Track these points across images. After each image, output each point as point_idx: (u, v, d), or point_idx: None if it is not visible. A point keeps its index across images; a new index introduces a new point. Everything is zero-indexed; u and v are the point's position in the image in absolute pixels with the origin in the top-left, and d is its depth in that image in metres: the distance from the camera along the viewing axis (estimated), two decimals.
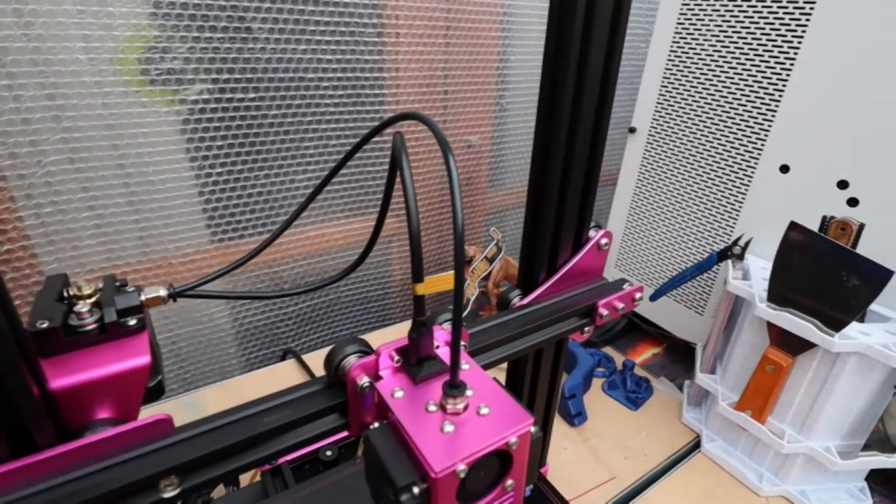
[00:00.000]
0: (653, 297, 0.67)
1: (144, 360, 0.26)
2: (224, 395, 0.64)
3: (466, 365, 0.26)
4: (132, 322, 0.27)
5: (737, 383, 0.56)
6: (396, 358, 0.26)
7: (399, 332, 0.78)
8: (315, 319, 0.80)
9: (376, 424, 0.24)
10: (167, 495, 0.23)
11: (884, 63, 0.46)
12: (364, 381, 0.25)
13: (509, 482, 0.24)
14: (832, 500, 0.53)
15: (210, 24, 0.56)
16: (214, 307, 0.69)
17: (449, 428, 0.22)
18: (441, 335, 0.28)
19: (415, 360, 0.26)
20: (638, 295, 0.38)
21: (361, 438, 0.27)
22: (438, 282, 0.25)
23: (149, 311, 0.29)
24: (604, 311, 0.36)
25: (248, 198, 0.66)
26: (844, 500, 0.53)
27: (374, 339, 0.76)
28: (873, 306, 0.49)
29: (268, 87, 0.62)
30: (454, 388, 0.23)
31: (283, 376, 0.68)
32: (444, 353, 0.27)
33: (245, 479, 0.49)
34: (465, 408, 0.23)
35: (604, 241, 0.38)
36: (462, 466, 0.21)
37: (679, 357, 0.75)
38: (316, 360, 0.71)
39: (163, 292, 0.29)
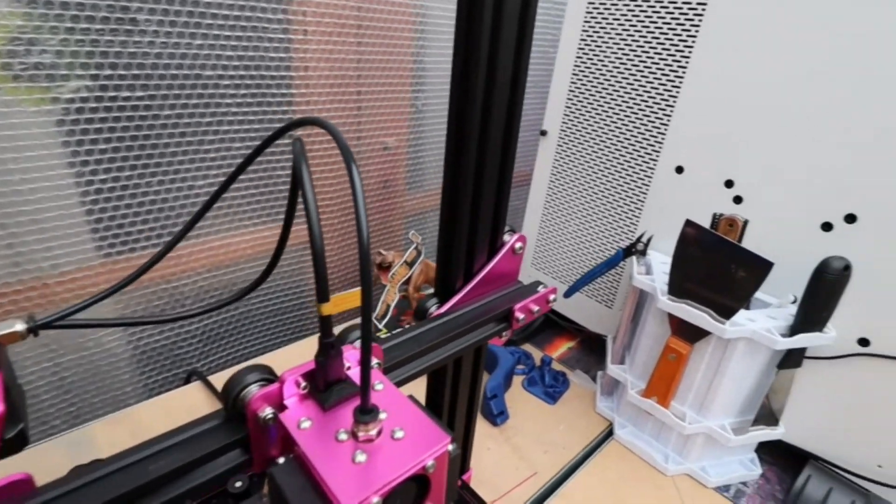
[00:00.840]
0: (566, 294, 0.70)
1: None
2: (117, 429, 0.57)
3: (380, 385, 0.25)
4: None
5: (643, 372, 0.60)
6: (303, 384, 0.24)
7: (314, 345, 0.75)
8: (223, 336, 0.75)
9: (282, 460, 0.23)
10: None
11: (761, 72, 0.51)
12: (267, 412, 0.23)
13: None
14: (728, 473, 0.58)
15: (86, 13, 0.50)
16: (103, 330, 0.62)
17: (361, 458, 0.21)
18: (352, 354, 0.27)
19: (323, 385, 0.24)
20: (552, 297, 0.39)
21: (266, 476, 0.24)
22: (346, 299, 0.24)
23: (5, 349, 0.25)
24: (520, 315, 0.37)
25: (140, 207, 0.60)
26: (738, 472, 0.58)
27: (291, 353, 0.72)
28: (758, 294, 0.54)
29: (159, 84, 0.56)
30: (365, 413, 0.22)
31: (187, 401, 0.63)
32: (355, 374, 0.26)
33: None
34: (379, 433, 0.22)
35: (518, 244, 0.38)
36: (376, 499, 0.20)
37: (592, 349, 0.79)
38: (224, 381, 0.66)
39: (19, 327, 0.24)
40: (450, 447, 0.22)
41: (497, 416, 0.63)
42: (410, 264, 0.73)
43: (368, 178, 0.82)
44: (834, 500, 0.54)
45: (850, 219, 0.48)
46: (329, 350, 0.23)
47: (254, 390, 0.24)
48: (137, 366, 0.67)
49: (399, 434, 0.22)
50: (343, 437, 0.22)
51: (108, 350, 0.63)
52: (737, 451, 0.59)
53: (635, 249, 0.62)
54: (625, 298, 0.69)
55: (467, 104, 0.31)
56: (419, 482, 0.22)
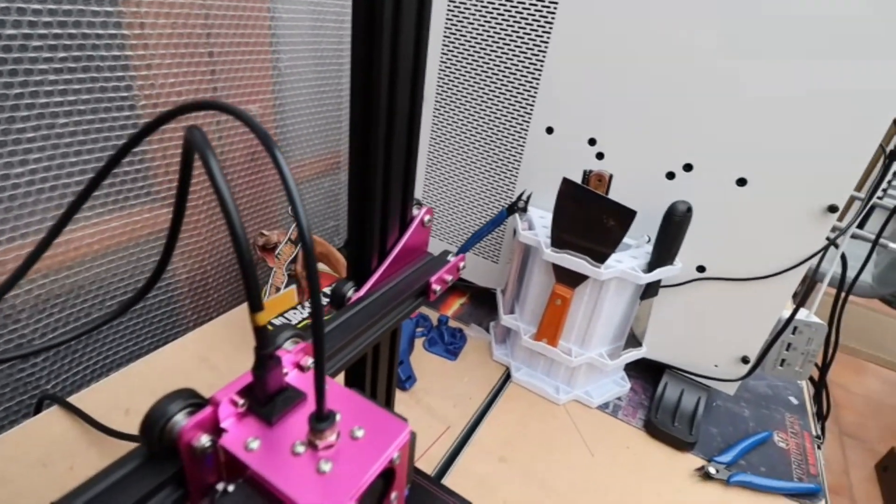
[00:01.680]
0: (456, 255, 0.72)
1: None
2: None
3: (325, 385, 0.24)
4: None
5: (533, 318, 0.66)
6: (240, 402, 0.22)
7: (203, 338, 0.68)
8: (76, 348, 0.64)
9: (229, 487, 0.21)
10: None
11: (613, 39, 0.56)
12: (203, 441, 0.21)
13: (393, 495, 0.23)
14: (606, 393, 0.67)
15: None
16: None
17: (325, 467, 0.20)
18: (283, 356, 0.25)
19: (265, 398, 0.22)
20: (462, 264, 0.41)
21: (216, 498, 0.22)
22: (279, 303, 0.22)
23: None
24: (436, 287, 0.37)
25: None
26: (613, 390, 0.68)
27: (166, 357, 0.65)
28: None
29: None
30: (322, 420, 0.21)
31: (48, 431, 0.53)
32: (293, 376, 0.24)
33: None
34: (338, 436, 0.21)
35: (427, 217, 0.38)
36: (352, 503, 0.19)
37: (482, 303, 0.84)
38: (91, 401, 0.57)
39: None
40: (410, 440, 0.23)
41: (405, 381, 0.64)
42: (296, 242, 0.69)
43: (233, 152, 0.74)
44: (686, 398, 0.66)
45: (688, 168, 0.57)
46: (268, 361, 0.22)
47: (181, 420, 0.21)
48: None
49: (359, 433, 0.22)
50: (300, 448, 0.21)
51: None
52: (611, 373, 0.69)
53: (517, 207, 0.66)
54: (509, 253, 0.74)
55: (372, 79, 0.29)
56: (385, 476, 0.22)
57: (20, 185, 0.52)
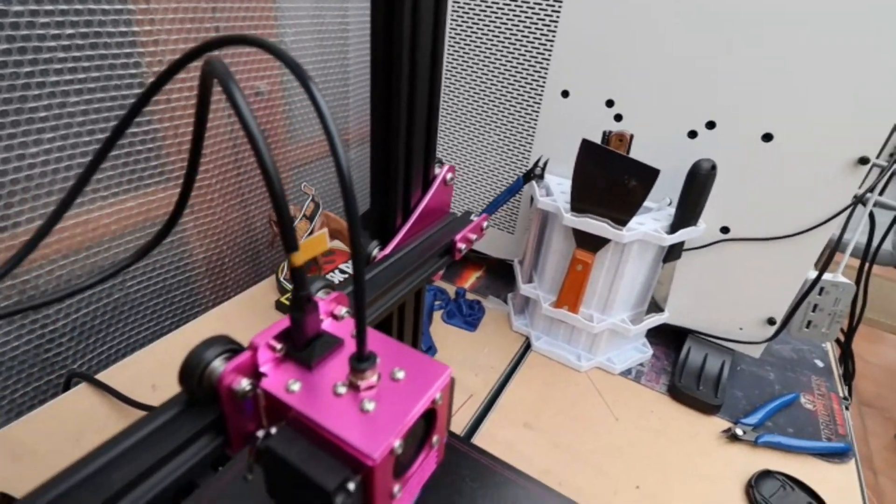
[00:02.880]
0: None
1: None
2: None
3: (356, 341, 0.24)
4: None
5: (552, 286, 0.65)
6: (278, 347, 0.22)
7: (221, 317, 0.68)
8: (100, 329, 0.64)
9: (273, 430, 0.20)
10: None
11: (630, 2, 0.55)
12: (243, 384, 0.21)
13: (435, 438, 0.23)
14: (628, 359, 0.67)
15: None
16: None
17: (369, 406, 0.20)
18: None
19: (302, 343, 0.22)
20: (485, 224, 0.40)
21: (254, 452, 0.22)
22: (313, 244, 0.22)
23: None
24: (461, 245, 0.37)
25: None
26: (635, 356, 0.67)
27: (187, 336, 0.65)
28: None
29: None
30: (364, 361, 0.20)
31: (77, 407, 0.54)
32: (328, 325, 0.24)
33: None
34: (379, 378, 0.21)
35: (449, 175, 0.37)
36: (398, 442, 0.19)
37: (498, 275, 0.83)
38: (117, 378, 0.57)
39: None
40: (451, 382, 0.22)
41: (426, 352, 0.64)
42: (310, 218, 0.69)
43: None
44: (710, 362, 0.65)
45: (711, 125, 0.56)
46: (306, 303, 0.21)
47: (220, 365, 0.21)
48: None
49: (399, 374, 0.21)
50: (342, 390, 0.20)
51: None
52: (632, 339, 0.68)
53: (534, 174, 0.65)
54: (525, 224, 0.73)
55: (393, 41, 0.29)
56: (427, 417, 0.22)
57: (35, 164, 0.52)
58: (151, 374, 0.59)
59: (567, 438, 0.56)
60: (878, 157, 0.51)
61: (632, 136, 0.56)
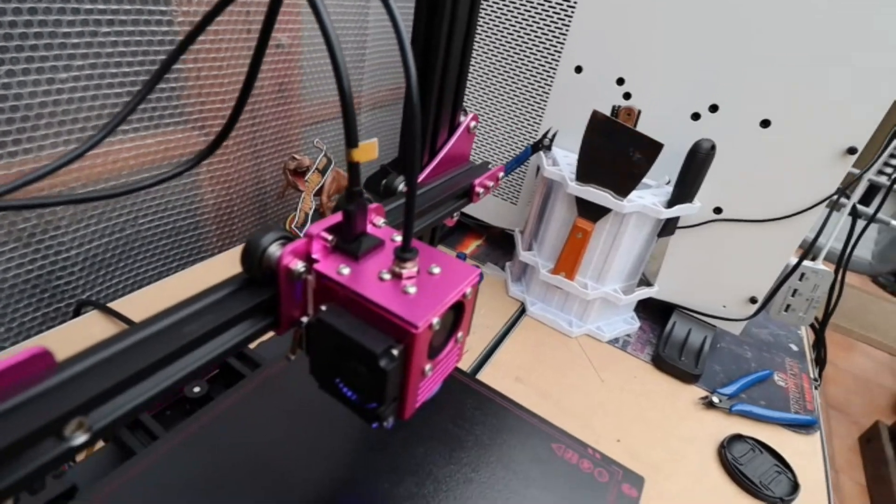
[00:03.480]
0: None
1: None
2: None
3: (398, 236, 0.26)
4: None
5: (551, 253, 0.68)
6: (330, 238, 0.24)
7: (223, 263, 0.70)
8: (110, 262, 0.66)
9: (323, 308, 0.23)
10: (77, 442, 0.18)
11: None
12: (299, 266, 0.23)
13: (459, 334, 0.25)
14: (616, 329, 0.70)
15: None
16: None
17: (411, 290, 0.22)
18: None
19: (352, 236, 0.24)
20: (501, 174, 0.42)
21: (299, 335, 0.25)
22: (369, 148, 0.24)
23: None
24: (479, 190, 0.39)
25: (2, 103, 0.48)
26: (623, 327, 0.71)
27: (193, 276, 0.67)
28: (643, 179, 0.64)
29: None
30: (408, 251, 0.23)
31: (86, 332, 0.56)
32: (369, 230, 0.27)
33: None
34: (419, 272, 0.24)
35: (472, 123, 0.40)
36: (436, 319, 0.22)
37: (497, 245, 0.86)
38: (127, 308, 0.59)
39: None
40: (478, 281, 0.25)
41: None
42: (322, 171, 0.71)
43: (262, 80, 0.75)
44: (693, 336, 0.69)
45: (713, 108, 0.59)
46: (359, 198, 0.24)
47: (277, 249, 0.23)
48: (7, 303, 0.56)
49: (436, 270, 0.24)
50: (386, 276, 0.23)
51: None
52: (622, 310, 0.71)
53: (542, 145, 0.67)
54: (529, 195, 0.76)
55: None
56: (456, 311, 0.24)
57: (63, 90, 0.53)
58: (161, 305, 0.61)
59: (555, 393, 0.59)
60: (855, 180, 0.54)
61: (639, 112, 0.59)
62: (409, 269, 0.23)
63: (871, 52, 0.50)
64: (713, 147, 0.57)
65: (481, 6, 0.69)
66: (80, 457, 0.37)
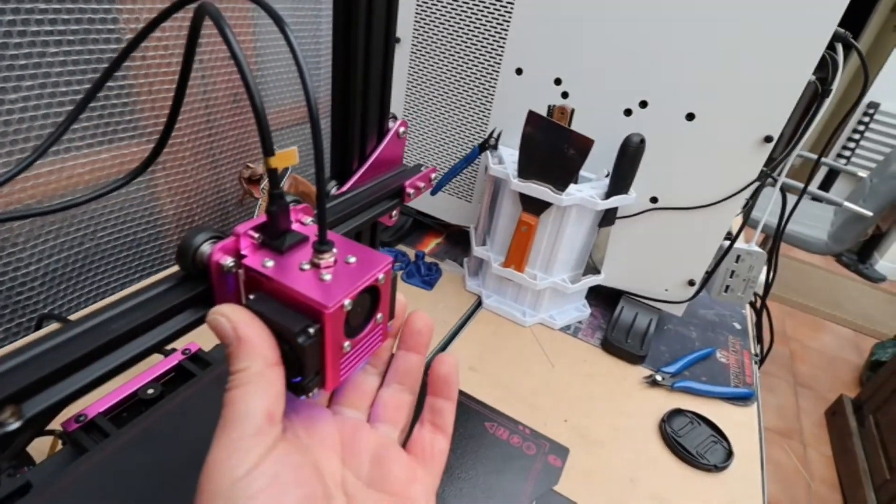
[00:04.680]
0: (433, 192, 0.77)
1: None
2: None
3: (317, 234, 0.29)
4: None
5: (502, 248, 0.71)
6: (256, 235, 0.27)
7: None
8: (70, 276, 0.67)
9: (251, 297, 0.26)
10: (11, 427, 0.21)
11: None
12: (228, 262, 0.26)
13: (379, 315, 0.29)
14: (568, 316, 0.74)
15: None
16: None
17: (327, 277, 0.25)
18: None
19: (276, 234, 0.27)
20: (433, 175, 0.45)
21: None
22: (287, 156, 0.27)
23: None
24: (410, 190, 0.42)
25: None
26: (574, 315, 0.75)
27: None
28: (582, 172, 0.68)
29: None
30: (324, 244, 0.26)
31: None
32: (295, 228, 0.29)
33: (41, 451, 0.42)
34: (335, 261, 0.27)
35: (401, 129, 0.43)
36: (347, 301, 0.25)
37: (457, 242, 0.89)
38: None
39: None
40: (391, 267, 0.28)
41: None
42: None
43: (216, 92, 0.76)
44: (639, 320, 0.73)
45: (643, 104, 0.63)
46: (279, 200, 0.26)
47: (208, 247, 0.26)
48: None
49: (351, 259, 0.27)
50: (306, 266, 0.26)
51: None
52: (572, 298, 0.75)
53: (488, 144, 0.70)
54: (481, 192, 0.79)
55: (351, 14, 0.34)
56: (372, 294, 0.27)
57: (14, 110, 0.55)
58: None
59: (507, 380, 0.63)
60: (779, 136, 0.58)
61: (573, 111, 0.62)
62: (327, 259, 0.26)
63: (778, 44, 0.54)
64: (642, 141, 0.60)
65: (422, 14, 0.72)
66: (38, 459, 0.39)
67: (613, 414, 0.61)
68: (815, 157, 0.60)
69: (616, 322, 0.72)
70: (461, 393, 0.44)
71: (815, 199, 2.27)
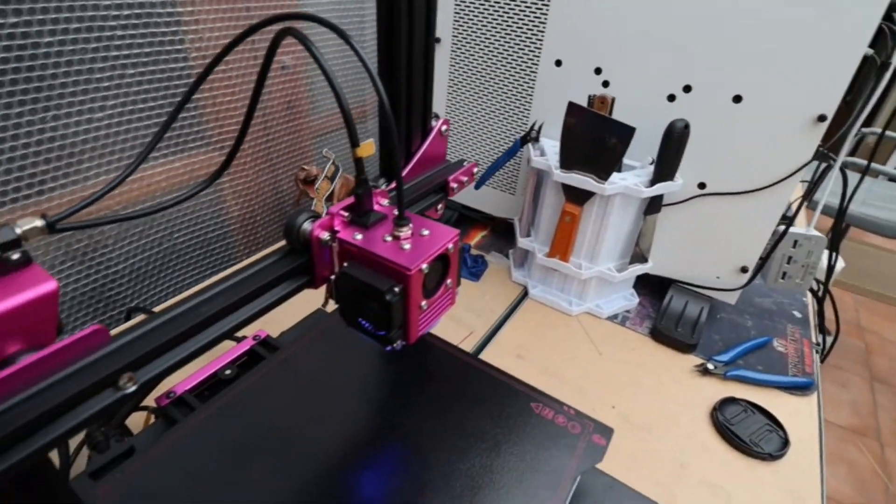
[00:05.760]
0: (476, 186, 0.79)
1: (50, 285, 0.25)
2: None
3: (396, 211, 0.32)
4: (15, 256, 0.26)
5: (546, 238, 0.73)
6: (346, 214, 0.32)
7: None
8: (153, 273, 0.75)
9: (345, 264, 0.30)
10: (129, 390, 0.25)
11: None
12: (325, 235, 0.30)
13: (449, 281, 0.32)
14: (615, 305, 0.74)
15: None
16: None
17: (406, 246, 0.30)
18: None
19: (362, 212, 0.31)
20: (475, 170, 0.48)
21: (330, 288, 0.33)
22: (368, 146, 0.30)
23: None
24: (454, 185, 0.45)
25: (38, 146, 0.57)
26: (622, 304, 0.75)
27: None
28: (626, 161, 0.68)
29: (33, 8, 0.52)
30: (402, 219, 0.30)
31: None
32: (377, 209, 0.33)
33: (138, 424, 0.48)
34: (412, 234, 0.30)
35: (444, 127, 0.45)
36: (425, 266, 0.28)
37: (502, 234, 0.91)
38: None
39: (38, 222, 0.27)
40: (458, 241, 0.31)
41: None
42: (331, 178, 0.77)
43: (271, 100, 0.82)
44: (689, 308, 0.72)
45: (687, 89, 0.62)
46: (365, 184, 0.31)
47: (309, 224, 0.31)
48: (69, 312, 0.65)
49: (425, 232, 0.31)
50: (388, 238, 0.30)
51: None
52: (619, 287, 0.75)
53: (530, 137, 0.72)
54: (524, 185, 0.81)
55: (393, 16, 0.37)
56: (443, 261, 0.31)
57: (101, 127, 0.62)
58: None
59: (553, 368, 0.64)
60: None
61: (613, 100, 0.63)
62: (405, 232, 0.30)
63: (829, 17, 0.52)
64: (686, 126, 0.60)
65: (462, 14, 0.73)
66: (136, 430, 0.45)
67: (662, 401, 0.61)
68: (878, 131, 0.57)
69: (666, 311, 0.72)
70: (506, 374, 0.46)
71: (893, 179, 2.10)
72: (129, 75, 0.62)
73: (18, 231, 0.26)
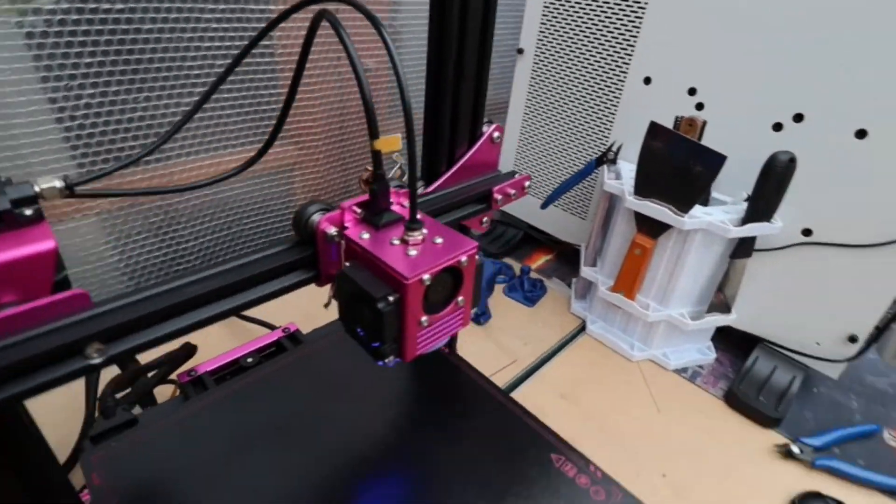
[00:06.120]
0: (543, 206, 0.74)
1: (49, 244, 0.25)
2: None
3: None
4: (28, 212, 0.26)
5: (613, 270, 0.66)
6: (359, 211, 0.29)
7: None
8: (218, 254, 0.78)
9: (347, 264, 0.28)
10: (94, 361, 0.24)
11: None
12: (332, 230, 0.28)
13: (460, 298, 0.28)
14: (685, 357, 0.65)
15: None
16: (103, 244, 0.64)
17: (412, 252, 0.26)
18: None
19: (375, 210, 0.29)
20: (527, 183, 0.43)
21: (334, 288, 0.31)
22: (390, 141, 0.28)
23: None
24: (498, 196, 0.41)
25: (129, 123, 0.61)
26: (695, 357, 0.65)
27: None
28: (715, 194, 0.59)
29: None
30: (414, 223, 0.27)
31: None
32: (395, 209, 0.31)
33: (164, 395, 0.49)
34: (423, 240, 0.27)
35: (496, 134, 0.41)
36: (427, 276, 0.25)
37: (567, 261, 0.85)
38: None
39: (58, 183, 0.28)
40: (477, 255, 0.28)
41: (480, 316, 0.68)
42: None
43: (350, 103, 0.83)
44: (777, 376, 0.61)
45: (798, 118, 0.53)
46: (381, 180, 0.28)
47: (318, 217, 0.28)
48: (139, 280, 0.70)
49: (438, 240, 0.27)
50: (396, 242, 0.27)
51: (107, 263, 0.66)
52: (694, 337, 0.66)
53: (606, 158, 0.66)
54: (596, 209, 0.74)
55: (445, 10, 0.34)
56: (455, 276, 0.27)
57: (187, 111, 0.65)
58: None
59: (600, 415, 0.57)
60: None
61: (704, 123, 0.55)
62: (415, 237, 0.27)
63: None
64: (793, 160, 0.51)
65: (546, 23, 0.70)
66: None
67: (728, 480, 0.52)
68: None
69: (747, 373, 0.61)
70: (531, 416, 0.41)
71: None
72: (218, 66, 0.66)
73: (37, 189, 0.27)
